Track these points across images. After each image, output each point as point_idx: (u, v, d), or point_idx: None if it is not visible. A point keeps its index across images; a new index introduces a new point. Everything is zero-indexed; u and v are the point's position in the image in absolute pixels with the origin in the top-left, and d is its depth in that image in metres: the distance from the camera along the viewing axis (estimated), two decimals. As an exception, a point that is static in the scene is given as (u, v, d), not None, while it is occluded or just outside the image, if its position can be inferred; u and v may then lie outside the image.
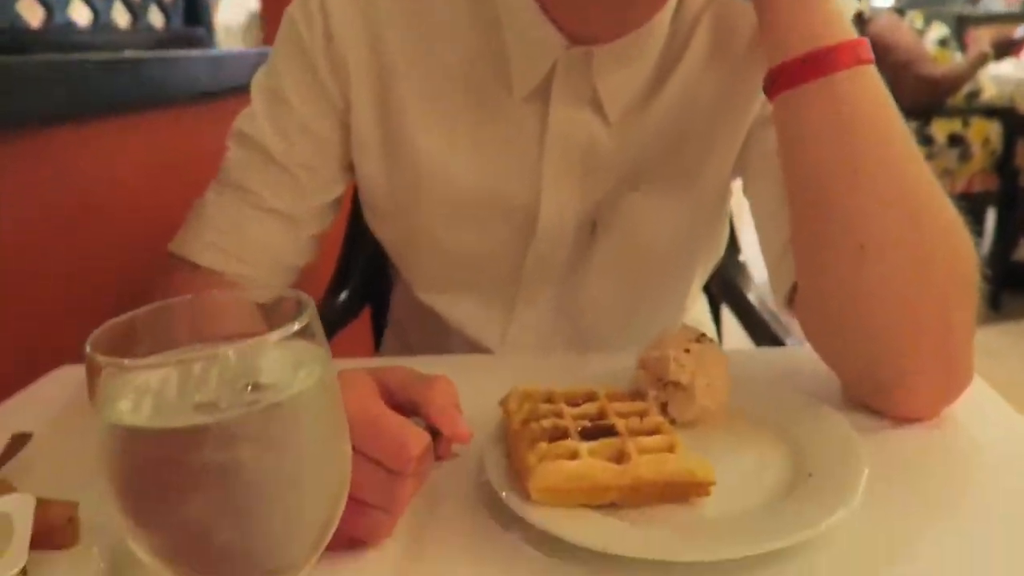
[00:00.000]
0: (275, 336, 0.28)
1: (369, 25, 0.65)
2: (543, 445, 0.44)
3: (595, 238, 0.70)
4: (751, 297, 0.92)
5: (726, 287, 1.00)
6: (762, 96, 0.59)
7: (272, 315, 0.32)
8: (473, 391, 0.51)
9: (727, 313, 1.02)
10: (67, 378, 0.68)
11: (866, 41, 0.53)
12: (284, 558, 0.31)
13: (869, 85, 0.52)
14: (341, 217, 0.92)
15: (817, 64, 0.51)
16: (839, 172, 0.51)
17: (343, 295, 1.12)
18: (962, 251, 0.52)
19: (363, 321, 1.14)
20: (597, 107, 0.64)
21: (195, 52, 1.15)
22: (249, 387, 0.30)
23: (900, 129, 0.52)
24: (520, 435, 0.46)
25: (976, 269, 0.52)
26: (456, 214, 0.69)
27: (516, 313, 0.74)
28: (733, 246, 1.03)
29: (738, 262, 1.02)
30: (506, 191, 0.68)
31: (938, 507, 0.45)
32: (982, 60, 2.66)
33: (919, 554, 0.41)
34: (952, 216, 0.52)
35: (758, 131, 0.66)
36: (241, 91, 0.73)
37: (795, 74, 0.52)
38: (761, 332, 0.88)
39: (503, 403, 0.50)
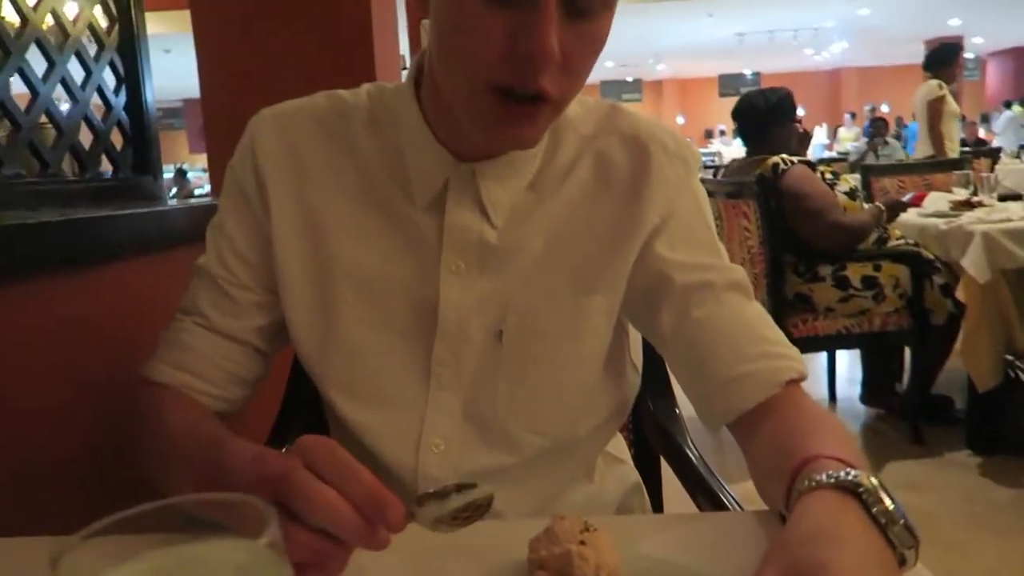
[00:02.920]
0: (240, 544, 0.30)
1: (288, 145, 0.79)
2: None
3: (501, 346, 0.77)
4: (689, 452, 0.95)
5: (663, 438, 1.02)
6: (650, 239, 0.76)
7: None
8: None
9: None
10: None
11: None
12: None
13: None
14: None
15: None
16: None
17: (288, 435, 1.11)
18: None
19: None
20: (484, 212, 0.76)
21: (143, 209, 1.16)
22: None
23: None
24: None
25: None
26: (367, 307, 0.78)
27: (427, 421, 0.78)
28: (670, 398, 1.07)
29: (675, 414, 1.06)
30: (411, 287, 0.77)
31: None
32: (879, 216, 2.88)
33: None
34: None
35: (670, 298, 0.76)
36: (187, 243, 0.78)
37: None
38: (696, 485, 0.90)
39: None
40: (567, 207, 0.78)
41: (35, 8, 1.17)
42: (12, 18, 1.12)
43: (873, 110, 11.96)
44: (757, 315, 0.76)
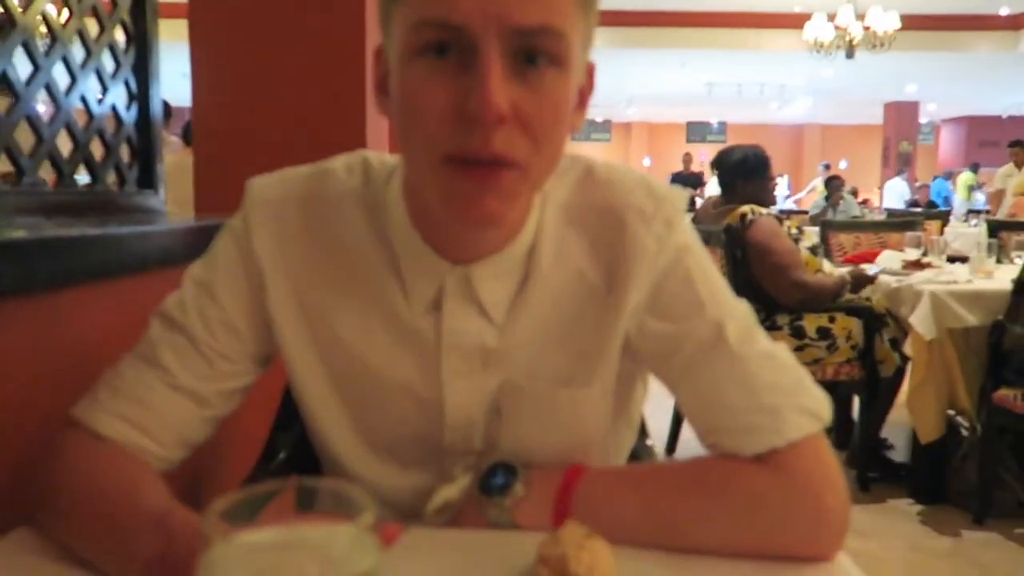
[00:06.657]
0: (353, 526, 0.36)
1: (281, 245, 0.76)
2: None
3: (501, 421, 0.79)
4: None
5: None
6: (637, 314, 0.75)
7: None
8: None
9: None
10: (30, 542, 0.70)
11: None
12: None
13: None
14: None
15: None
16: None
17: (275, 464, 1.15)
18: None
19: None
20: (483, 312, 0.75)
21: (175, 226, 1.21)
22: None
23: None
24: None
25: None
26: (375, 400, 0.79)
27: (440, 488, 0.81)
28: (642, 432, 1.15)
29: (646, 446, 1.14)
30: (414, 389, 0.78)
31: None
32: (843, 287, 3.01)
33: None
34: None
35: (658, 365, 0.79)
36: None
37: None
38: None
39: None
40: (558, 294, 0.76)
41: (64, 26, 1.22)
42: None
43: (828, 167, 12.36)
44: (727, 378, 0.74)
